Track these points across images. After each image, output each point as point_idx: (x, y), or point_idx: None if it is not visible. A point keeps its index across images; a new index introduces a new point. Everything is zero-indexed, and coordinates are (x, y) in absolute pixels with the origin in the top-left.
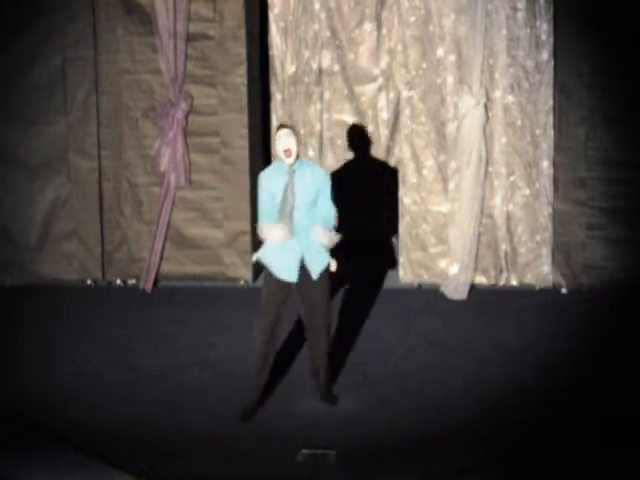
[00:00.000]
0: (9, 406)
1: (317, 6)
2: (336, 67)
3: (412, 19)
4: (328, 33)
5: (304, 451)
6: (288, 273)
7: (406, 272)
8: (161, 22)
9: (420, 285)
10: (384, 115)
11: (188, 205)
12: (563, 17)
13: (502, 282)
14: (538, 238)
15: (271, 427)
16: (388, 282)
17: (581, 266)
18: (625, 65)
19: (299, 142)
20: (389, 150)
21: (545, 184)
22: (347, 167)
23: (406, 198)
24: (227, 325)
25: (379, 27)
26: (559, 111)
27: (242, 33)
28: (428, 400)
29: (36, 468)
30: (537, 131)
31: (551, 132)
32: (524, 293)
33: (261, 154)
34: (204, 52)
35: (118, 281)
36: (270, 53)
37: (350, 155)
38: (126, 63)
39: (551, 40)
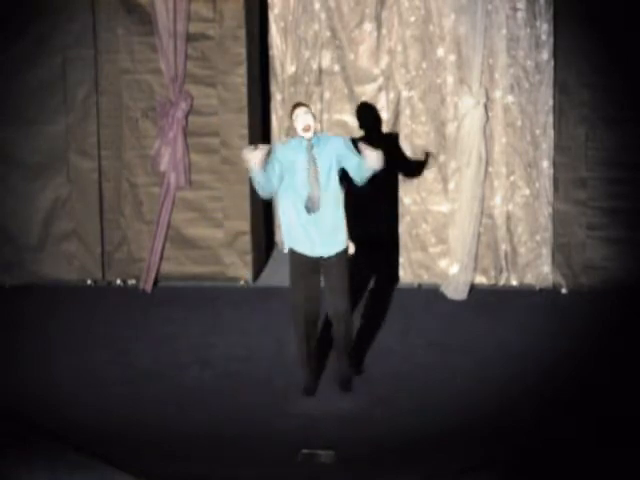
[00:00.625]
0: (9, 406)
1: (317, 6)
2: (336, 67)
3: (412, 19)
4: (328, 33)
5: (304, 451)
6: (311, 248)
7: (406, 272)
8: (161, 22)
9: (420, 285)
10: (384, 115)
11: (188, 205)
12: (563, 17)
13: (502, 282)
14: (538, 238)
15: (271, 427)
16: (388, 282)
17: (581, 266)
18: (625, 65)
19: (315, 118)
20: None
21: (545, 184)
22: None
23: (406, 198)
24: (227, 325)
25: (379, 27)
26: (559, 111)
27: (242, 33)
28: (428, 400)
29: (36, 468)
30: (537, 131)
31: (551, 132)
32: (524, 293)
33: None
34: (204, 52)
35: (118, 281)
36: (270, 53)
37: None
38: (126, 63)
39: (551, 40)
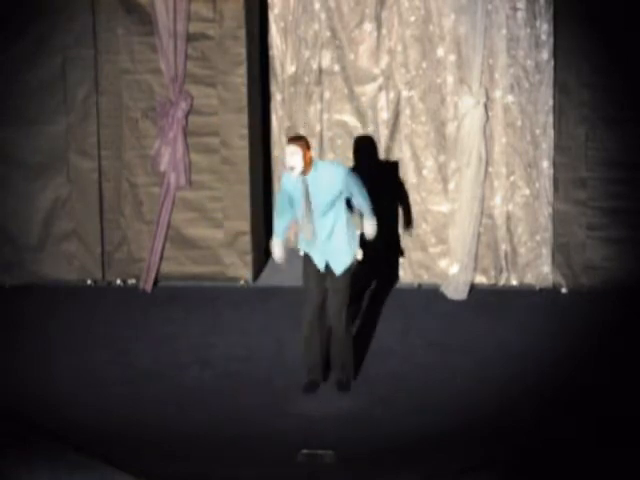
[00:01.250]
0: (9, 406)
1: (317, 6)
2: (336, 67)
3: (412, 19)
4: (328, 33)
5: (304, 451)
6: (318, 263)
7: (406, 272)
8: (161, 22)
9: (420, 285)
10: (384, 115)
11: (188, 205)
12: (563, 17)
13: (502, 282)
14: (538, 238)
15: (270, 427)
16: (388, 282)
17: (581, 266)
18: (625, 65)
19: (307, 151)
20: (389, 150)
21: (545, 184)
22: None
23: None
24: (227, 325)
25: (379, 27)
26: (559, 111)
27: (242, 33)
28: (428, 400)
29: (36, 468)
30: (537, 131)
31: (551, 132)
32: (524, 293)
33: (261, 154)
34: (204, 52)
35: (118, 281)
36: (270, 53)
37: (350, 155)
38: (126, 63)
39: (551, 40)
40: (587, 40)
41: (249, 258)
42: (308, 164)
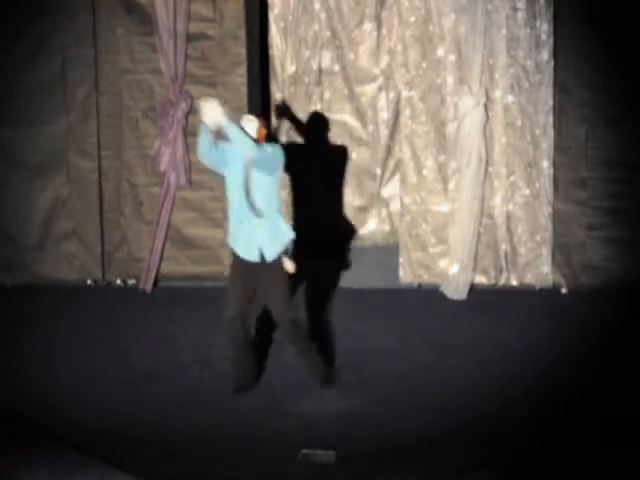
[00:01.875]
0: (9, 406)
1: (317, 6)
2: (336, 67)
3: (412, 19)
4: (328, 33)
5: (304, 451)
6: (249, 252)
7: (406, 272)
8: (161, 22)
9: (420, 285)
10: (384, 115)
11: (188, 205)
12: (563, 17)
13: (502, 282)
14: (538, 238)
15: (270, 427)
16: (388, 282)
17: (581, 266)
18: (625, 65)
19: (263, 127)
20: (389, 150)
21: (545, 184)
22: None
23: (406, 198)
24: None
25: (379, 27)
26: (559, 111)
27: (242, 33)
28: (428, 400)
29: (36, 468)
30: (537, 131)
31: (551, 132)
32: (524, 293)
33: None
34: (204, 52)
35: (118, 281)
36: (270, 53)
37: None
38: (126, 63)
39: (551, 40)
40: (587, 40)
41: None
42: (260, 138)
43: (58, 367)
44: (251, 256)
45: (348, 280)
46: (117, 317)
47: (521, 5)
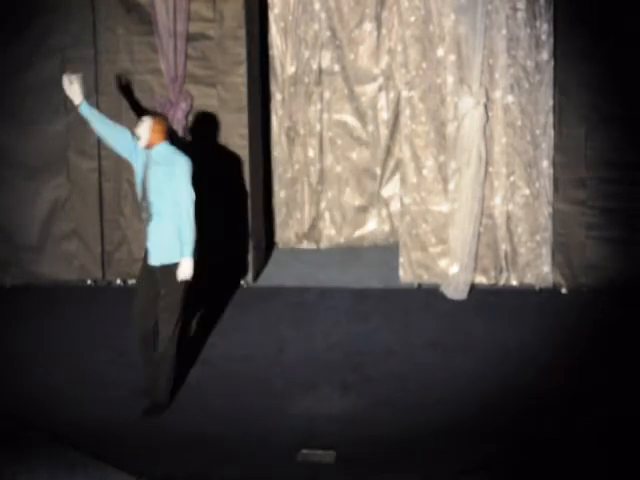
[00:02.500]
0: (9, 406)
1: (317, 6)
2: (336, 67)
3: (412, 19)
4: (328, 33)
5: (304, 451)
6: (147, 253)
7: (406, 272)
8: (161, 22)
9: (420, 285)
10: (384, 115)
11: None
12: (563, 17)
13: (502, 282)
14: (538, 238)
15: (270, 427)
16: (388, 282)
17: (581, 266)
18: (625, 65)
19: (159, 126)
20: (389, 150)
21: (545, 184)
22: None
23: (406, 198)
24: (227, 325)
25: (379, 27)
26: (559, 111)
27: (242, 33)
28: (428, 400)
29: (36, 468)
30: (537, 131)
31: (551, 132)
32: (524, 293)
33: (261, 154)
34: (204, 52)
35: (118, 281)
36: (270, 53)
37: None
38: (126, 63)
39: (551, 40)
40: (587, 40)
41: (249, 258)
42: (155, 139)
43: (58, 367)
44: (149, 258)
45: (348, 280)
46: (117, 317)
47: (521, 5)
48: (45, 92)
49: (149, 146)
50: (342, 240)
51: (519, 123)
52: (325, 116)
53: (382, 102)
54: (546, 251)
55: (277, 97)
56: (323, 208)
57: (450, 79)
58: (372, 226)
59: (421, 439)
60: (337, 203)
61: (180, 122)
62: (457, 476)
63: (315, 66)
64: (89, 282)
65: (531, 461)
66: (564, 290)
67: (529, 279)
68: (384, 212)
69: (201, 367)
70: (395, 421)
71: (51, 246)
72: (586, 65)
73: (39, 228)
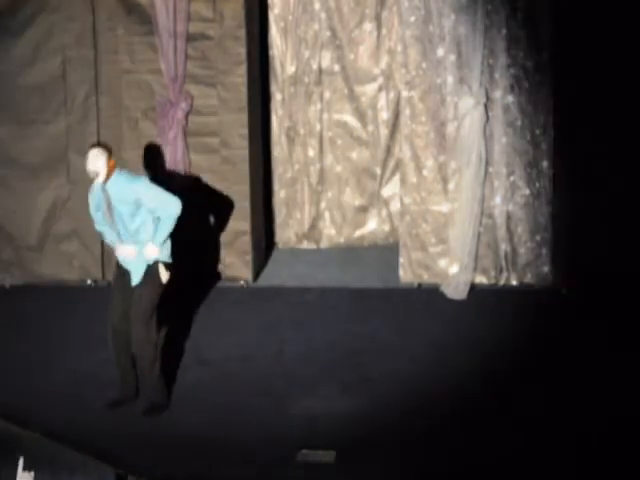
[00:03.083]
0: (9, 406)
1: (317, 6)
2: (336, 67)
3: (412, 19)
4: (328, 33)
5: (304, 451)
6: (129, 277)
7: (406, 272)
8: (161, 22)
9: (420, 285)
10: (384, 115)
11: None
12: (563, 17)
13: (502, 282)
14: (538, 238)
15: (270, 427)
16: (388, 282)
17: (581, 266)
18: (625, 65)
19: (110, 156)
20: (389, 150)
21: (545, 184)
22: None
23: (406, 198)
24: (227, 325)
25: (379, 27)
26: (559, 111)
27: (242, 33)
28: (428, 400)
29: (36, 468)
30: (537, 131)
31: (551, 132)
32: (524, 293)
33: (261, 154)
34: (204, 52)
35: None
36: (270, 53)
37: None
38: (126, 63)
39: (551, 40)
40: (587, 40)
41: (249, 258)
42: (111, 170)
43: (58, 367)
44: (130, 279)
45: (348, 280)
46: None
47: (521, 5)
48: (46, 92)
49: (105, 180)
50: (342, 240)
51: (519, 123)
52: (325, 116)
53: (382, 102)
54: (546, 251)
55: (277, 97)
56: (323, 208)
57: (450, 79)
58: (372, 226)
59: (421, 439)
60: (337, 203)
61: (180, 122)
62: (457, 475)
63: (315, 66)
64: (89, 282)
65: (531, 461)
66: (564, 290)
67: (529, 279)
68: (384, 212)
69: (201, 367)
70: (395, 421)
71: (51, 246)
72: (586, 65)
73: (39, 228)
